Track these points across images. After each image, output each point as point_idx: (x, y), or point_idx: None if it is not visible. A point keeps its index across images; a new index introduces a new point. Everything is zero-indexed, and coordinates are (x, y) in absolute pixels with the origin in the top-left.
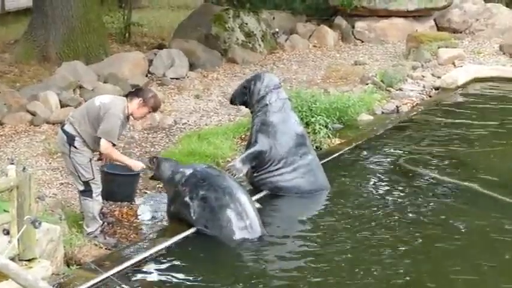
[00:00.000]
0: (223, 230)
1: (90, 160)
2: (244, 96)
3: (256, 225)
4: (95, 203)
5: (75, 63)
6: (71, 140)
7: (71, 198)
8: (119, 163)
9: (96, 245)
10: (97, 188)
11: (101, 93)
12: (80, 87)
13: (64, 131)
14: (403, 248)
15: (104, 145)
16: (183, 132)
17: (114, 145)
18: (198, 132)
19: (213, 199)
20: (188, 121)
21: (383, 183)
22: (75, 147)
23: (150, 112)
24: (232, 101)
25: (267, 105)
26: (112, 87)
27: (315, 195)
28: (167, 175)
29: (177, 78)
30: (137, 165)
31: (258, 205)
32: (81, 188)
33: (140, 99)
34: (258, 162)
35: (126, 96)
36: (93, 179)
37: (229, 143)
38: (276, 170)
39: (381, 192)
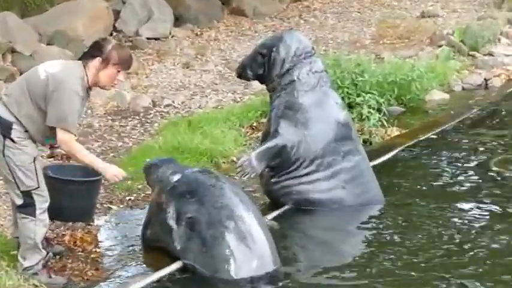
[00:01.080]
0: (219, 268)
1: (34, 160)
2: (260, 68)
3: (268, 256)
4: (39, 225)
5: (4, 15)
6: (6, 129)
7: None
8: (80, 164)
9: (36, 286)
10: (42, 202)
11: (43, 60)
12: (13, 51)
13: None
14: None
15: (63, 138)
16: (165, 118)
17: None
18: (187, 118)
19: (203, 225)
20: (173, 102)
21: (463, 195)
22: (12, 139)
23: (119, 72)
24: (241, 74)
25: (294, 81)
26: (59, 50)
27: (360, 211)
28: (153, 178)
29: (156, 39)
30: (113, 172)
31: (275, 224)
32: (19, 201)
33: (98, 58)
34: (280, 161)
35: (80, 59)
36: (38, 188)
37: (234, 134)
38: (307, 174)
39: (459, 208)
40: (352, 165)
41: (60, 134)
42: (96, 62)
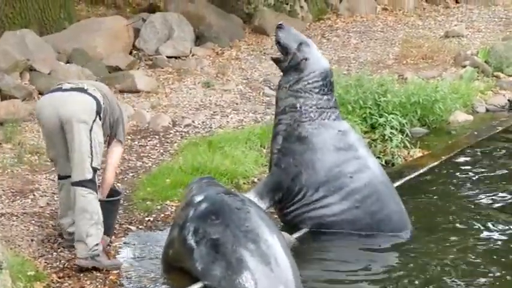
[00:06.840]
0: None
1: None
2: (289, 56)
3: (291, 282)
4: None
5: (23, 33)
6: (99, 107)
7: (15, 236)
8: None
9: None
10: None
11: (62, 79)
12: (31, 69)
13: (92, 96)
14: None
15: (121, 150)
16: (185, 138)
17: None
18: (208, 138)
19: (229, 249)
20: (193, 122)
21: (491, 219)
22: (100, 118)
23: None
24: (280, 41)
25: (296, 109)
26: (78, 69)
27: (380, 232)
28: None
29: (176, 57)
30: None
31: (293, 241)
32: (89, 175)
33: None
34: (284, 194)
35: None
36: (98, 170)
37: (255, 155)
38: (316, 201)
39: (486, 234)
40: (364, 184)
41: (121, 147)
42: None
